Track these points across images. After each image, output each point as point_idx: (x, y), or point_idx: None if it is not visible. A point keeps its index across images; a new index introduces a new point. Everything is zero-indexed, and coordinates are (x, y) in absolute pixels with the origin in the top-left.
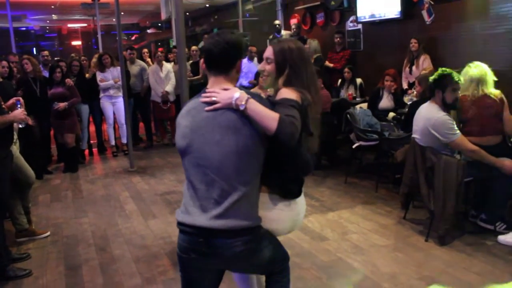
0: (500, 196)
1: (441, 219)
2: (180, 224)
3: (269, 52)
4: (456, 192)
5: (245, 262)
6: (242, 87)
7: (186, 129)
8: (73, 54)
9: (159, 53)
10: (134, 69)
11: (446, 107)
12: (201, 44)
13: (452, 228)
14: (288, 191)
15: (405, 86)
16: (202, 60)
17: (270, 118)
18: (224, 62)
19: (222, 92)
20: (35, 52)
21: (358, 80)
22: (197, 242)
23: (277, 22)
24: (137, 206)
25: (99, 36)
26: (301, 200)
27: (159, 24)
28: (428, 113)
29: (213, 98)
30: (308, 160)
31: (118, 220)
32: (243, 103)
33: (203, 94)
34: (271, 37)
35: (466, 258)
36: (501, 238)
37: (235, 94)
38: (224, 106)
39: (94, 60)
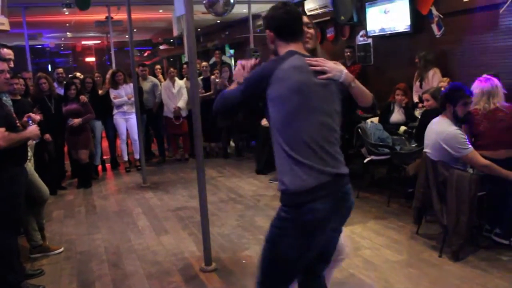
0: None
1: (454, 234)
2: (315, 187)
3: (306, 18)
4: (470, 206)
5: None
6: None
7: (302, 84)
8: (78, 74)
9: (171, 69)
10: (146, 85)
11: (457, 121)
12: (213, 60)
13: (466, 243)
14: None
15: (415, 100)
16: (214, 76)
17: (368, 94)
18: (299, 30)
19: (330, 63)
20: (50, 69)
21: None
22: (339, 189)
23: None
24: (149, 222)
25: (112, 52)
26: None
27: (171, 41)
28: (440, 127)
29: (325, 68)
30: None
31: (130, 236)
32: (352, 79)
33: (311, 61)
34: None
35: (481, 274)
36: None
37: (343, 69)
38: (333, 77)
39: (108, 76)
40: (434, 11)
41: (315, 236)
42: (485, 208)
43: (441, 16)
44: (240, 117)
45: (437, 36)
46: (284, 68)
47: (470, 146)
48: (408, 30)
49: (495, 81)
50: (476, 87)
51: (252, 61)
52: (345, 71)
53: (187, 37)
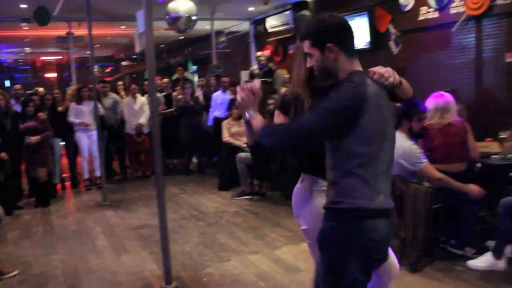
0: (468, 221)
1: (411, 246)
2: (385, 209)
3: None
4: (425, 219)
5: None
6: (216, 119)
7: (386, 112)
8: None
9: (133, 86)
10: (107, 102)
11: (413, 136)
12: (175, 76)
13: (423, 255)
14: None
15: None
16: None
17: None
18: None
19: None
20: (8, 84)
21: None
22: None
23: (258, 54)
24: (109, 241)
25: (72, 68)
26: None
27: (134, 57)
28: (396, 142)
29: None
30: None
31: (89, 256)
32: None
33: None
34: (255, 67)
35: (437, 285)
36: (471, 263)
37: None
38: (394, 82)
39: (69, 92)
40: (392, 29)
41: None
42: (441, 220)
43: (399, 34)
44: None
45: (395, 53)
46: (373, 93)
47: (425, 160)
48: (367, 46)
49: (448, 97)
50: (430, 103)
51: (257, 84)
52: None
53: (147, 54)
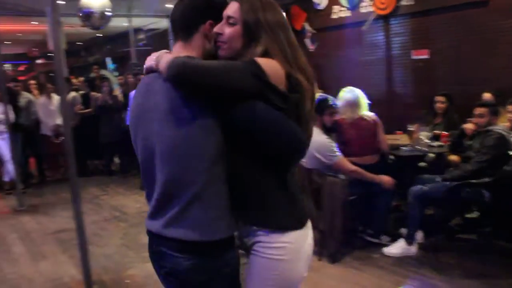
0: (382, 210)
1: (330, 237)
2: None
3: (233, 8)
4: (342, 210)
5: None
6: None
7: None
8: None
9: (48, 85)
10: (20, 102)
11: (326, 130)
12: (93, 74)
13: (341, 245)
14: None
15: None
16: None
17: (163, 57)
18: (178, 24)
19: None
20: None
21: None
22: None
23: None
24: (26, 247)
25: None
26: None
27: (49, 54)
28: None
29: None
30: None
31: (3, 264)
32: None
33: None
34: None
35: (356, 273)
36: (386, 250)
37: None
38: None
39: None
40: (307, 27)
41: None
42: (357, 211)
43: (314, 32)
44: None
45: (311, 50)
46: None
47: (339, 153)
48: None
49: (359, 92)
50: (342, 98)
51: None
52: None
53: (55, 52)
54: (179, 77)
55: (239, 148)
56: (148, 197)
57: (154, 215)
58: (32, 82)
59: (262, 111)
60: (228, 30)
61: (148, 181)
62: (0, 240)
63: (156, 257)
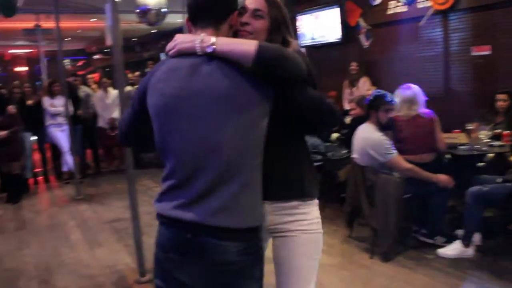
0: (438, 211)
1: (383, 236)
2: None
3: (258, 2)
4: (396, 208)
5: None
6: None
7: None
8: (16, 82)
9: (104, 79)
10: (79, 95)
11: (381, 127)
12: (148, 69)
13: (394, 244)
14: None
15: (346, 107)
16: None
17: (244, 42)
18: (211, 12)
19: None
20: None
21: None
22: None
23: None
24: (82, 235)
25: (42, 62)
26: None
27: (105, 50)
28: (366, 134)
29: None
30: (329, 104)
31: (62, 250)
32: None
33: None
34: None
35: (409, 273)
36: (441, 251)
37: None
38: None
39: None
40: (362, 23)
41: None
42: (412, 210)
43: (369, 27)
44: None
45: (365, 47)
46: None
47: (394, 151)
48: (339, 40)
49: (416, 89)
50: (398, 95)
51: None
52: None
53: (114, 47)
54: (273, 61)
55: (278, 129)
56: (179, 187)
57: (191, 204)
58: (90, 76)
59: (312, 91)
60: (256, 23)
61: (186, 169)
62: (59, 227)
63: (188, 248)
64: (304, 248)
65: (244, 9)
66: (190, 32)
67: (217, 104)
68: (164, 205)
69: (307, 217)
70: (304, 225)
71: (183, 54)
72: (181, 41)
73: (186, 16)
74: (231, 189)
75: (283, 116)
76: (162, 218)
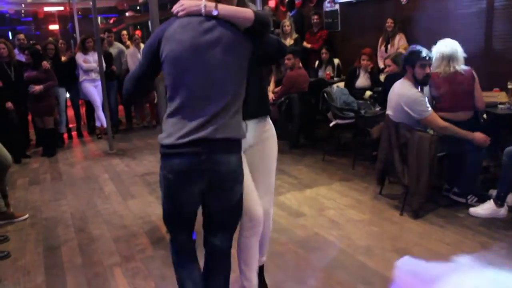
0: (472, 170)
1: (415, 193)
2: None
3: None
4: (429, 167)
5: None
6: None
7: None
8: (50, 38)
9: (136, 35)
10: (112, 52)
11: (417, 83)
12: None
13: (425, 202)
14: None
15: (381, 65)
16: None
17: (245, 11)
18: None
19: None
20: (10, 37)
21: (336, 61)
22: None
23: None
24: (116, 187)
25: (75, 19)
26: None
27: (137, 7)
28: (401, 90)
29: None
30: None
31: (97, 201)
32: (213, 8)
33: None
34: None
35: (439, 230)
36: (472, 210)
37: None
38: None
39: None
40: None
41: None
42: (445, 169)
43: None
44: None
45: (403, 3)
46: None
47: (430, 108)
48: None
49: (455, 44)
50: (437, 51)
51: None
52: None
53: (150, 4)
54: (262, 26)
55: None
56: (188, 117)
57: (203, 126)
58: (124, 32)
59: (272, 36)
60: None
61: (197, 100)
62: (94, 179)
63: (203, 167)
64: (275, 149)
65: None
66: None
67: (222, 49)
68: (176, 136)
69: (272, 126)
70: (273, 133)
71: (190, 15)
72: (189, 5)
73: None
74: (231, 112)
75: (253, 54)
76: (175, 149)
